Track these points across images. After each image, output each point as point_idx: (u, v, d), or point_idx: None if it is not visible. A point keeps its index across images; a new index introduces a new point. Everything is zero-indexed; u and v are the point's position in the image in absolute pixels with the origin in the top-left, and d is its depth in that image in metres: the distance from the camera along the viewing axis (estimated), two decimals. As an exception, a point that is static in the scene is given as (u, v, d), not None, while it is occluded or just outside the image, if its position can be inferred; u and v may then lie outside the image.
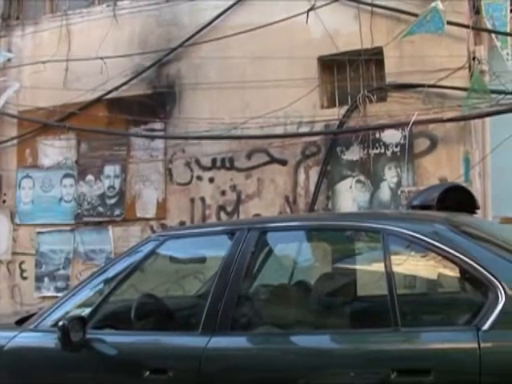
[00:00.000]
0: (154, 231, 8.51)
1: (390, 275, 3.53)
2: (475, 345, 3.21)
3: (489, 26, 7.56)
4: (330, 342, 3.66)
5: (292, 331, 3.94)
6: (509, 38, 7.51)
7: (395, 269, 3.61)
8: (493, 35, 7.63)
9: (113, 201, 9.08)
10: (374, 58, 7.93)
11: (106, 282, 4.39)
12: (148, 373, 3.77)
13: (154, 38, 8.97)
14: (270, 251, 4.56)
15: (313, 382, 3.52)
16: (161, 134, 8.89)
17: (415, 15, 7.43)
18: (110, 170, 9.13)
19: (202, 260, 5.10)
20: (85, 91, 9.00)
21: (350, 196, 7.90)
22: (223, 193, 8.49)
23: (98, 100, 9.11)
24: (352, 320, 4.16)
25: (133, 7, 9.09)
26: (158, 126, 8.89)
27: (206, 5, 8.69)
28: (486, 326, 3.24)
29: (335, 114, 8.03)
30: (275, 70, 8.10)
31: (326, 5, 7.98)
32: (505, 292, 3.27)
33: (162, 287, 5.37)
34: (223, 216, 8.44)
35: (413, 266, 3.94)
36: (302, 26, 8.02)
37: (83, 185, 9.26)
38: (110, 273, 4.38)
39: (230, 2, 8.54)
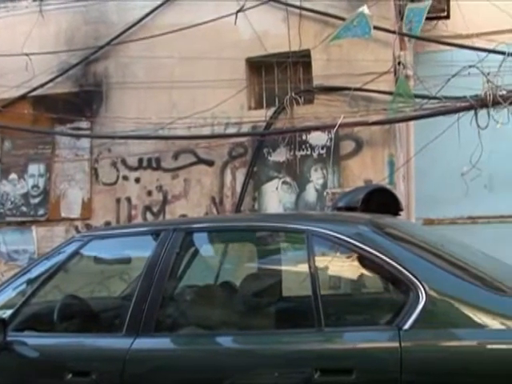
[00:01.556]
0: (78, 231, 8.39)
1: (313, 276, 3.56)
2: (396, 344, 3.26)
3: (405, 30, 7.72)
4: (255, 342, 3.65)
5: (217, 332, 3.93)
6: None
7: (319, 269, 3.64)
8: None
9: (37, 200, 8.92)
10: (301, 60, 7.99)
11: (29, 282, 4.30)
12: (71, 375, 3.69)
13: (81, 36, 8.84)
14: (196, 252, 4.54)
15: (238, 383, 3.51)
16: (87, 132, 8.78)
17: (343, 19, 7.53)
18: (34, 168, 8.97)
19: (127, 261, 5.04)
20: (9, 88, 8.80)
21: (276, 197, 7.95)
22: (149, 193, 8.44)
23: (23, 97, 8.93)
24: (277, 320, 4.19)
25: (59, 3, 8.92)
26: (84, 124, 8.78)
27: (135, 4, 8.62)
28: (406, 326, 3.30)
29: (262, 115, 8.07)
30: (203, 71, 8.09)
31: (254, 6, 8.00)
32: (425, 292, 3.33)
33: (86, 288, 5.31)
34: (149, 216, 8.39)
35: (337, 266, 3.98)
36: (230, 27, 8.03)
37: (6, 184, 9.07)
38: (33, 273, 4.29)
39: (159, 2, 8.49)
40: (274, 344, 3.58)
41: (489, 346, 3.26)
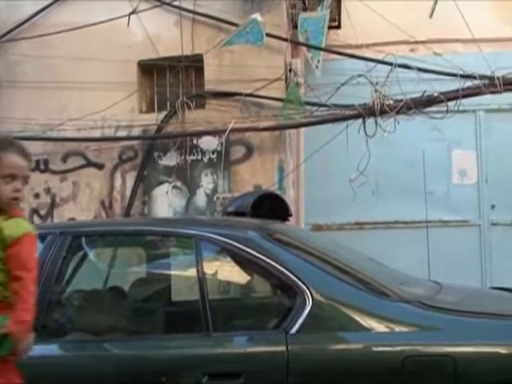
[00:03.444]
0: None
1: (202, 280, 3.57)
2: (283, 348, 3.30)
3: (302, 40, 7.83)
4: (143, 347, 3.62)
5: (105, 337, 3.87)
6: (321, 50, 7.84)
7: (207, 274, 3.67)
8: (305, 47, 7.91)
9: None
10: (194, 65, 7.98)
11: None
12: None
13: (-32, 32, 8.56)
14: (84, 256, 4.46)
15: (125, 388, 3.48)
16: (-29, 132, 8.50)
17: (236, 25, 7.57)
18: None
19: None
20: None
21: (166, 201, 7.90)
22: (37, 195, 8.23)
23: None
24: (165, 325, 4.17)
25: None
26: (-32, 124, 8.50)
27: (25, 1, 8.40)
28: (293, 330, 3.35)
29: (153, 119, 8.01)
30: (94, 72, 7.96)
31: (148, 9, 7.94)
32: (312, 296, 3.40)
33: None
34: (36, 219, 8.18)
35: (225, 271, 4.00)
36: (123, 28, 7.93)
37: None
38: None
39: (51, 0, 8.32)
40: (162, 349, 3.56)
41: (374, 349, 3.35)
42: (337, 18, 8.70)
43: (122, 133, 8.04)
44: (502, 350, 3.32)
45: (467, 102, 7.22)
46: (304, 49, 8.01)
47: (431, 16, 6.78)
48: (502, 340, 3.33)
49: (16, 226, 2.90)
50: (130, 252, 4.85)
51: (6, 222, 2.86)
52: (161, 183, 7.93)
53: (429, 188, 8.20)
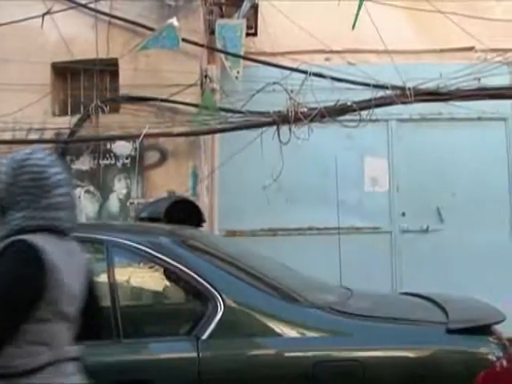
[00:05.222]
0: None
1: (113, 287, 3.53)
2: (195, 354, 3.30)
3: (219, 47, 7.84)
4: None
5: None
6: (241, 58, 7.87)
7: (119, 280, 3.62)
8: (223, 56, 7.92)
9: None
10: (108, 68, 7.89)
11: None
12: None
13: None
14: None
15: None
16: None
17: (152, 29, 7.52)
18: None
19: None
20: None
21: (78, 206, 7.76)
22: None
23: None
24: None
25: None
26: None
27: None
28: (205, 336, 3.35)
29: (67, 122, 7.87)
30: (6, 73, 7.76)
31: (62, 10, 7.80)
32: (223, 302, 3.40)
33: None
34: None
35: (137, 277, 3.96)
36: (37, 29, 7.76)
37: None
38: None
39: (-40, -2, 8.10)
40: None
41: (285, 354, 3.38)
42: (253, 25, 8.74)
43: (34, 136, 7.87)
44: (410, 354, 3.39)
45: (379, 112, 7.34)
46: (220, 55, 8.03)
47: (353, 27, 6.87)
48: (409, 344, 3.41)
49: None
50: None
51: None
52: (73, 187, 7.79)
53: (341, 195, 8.28)
